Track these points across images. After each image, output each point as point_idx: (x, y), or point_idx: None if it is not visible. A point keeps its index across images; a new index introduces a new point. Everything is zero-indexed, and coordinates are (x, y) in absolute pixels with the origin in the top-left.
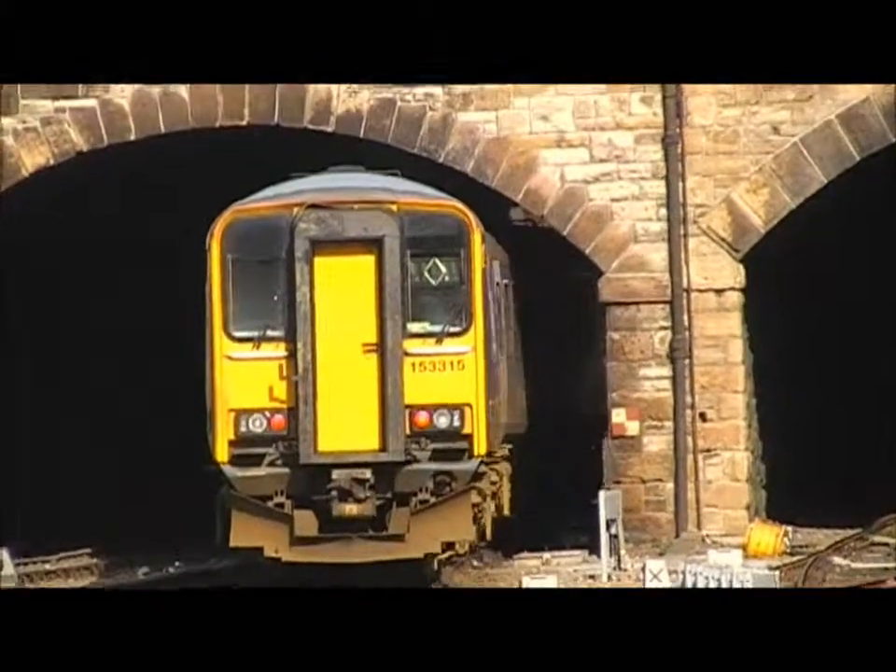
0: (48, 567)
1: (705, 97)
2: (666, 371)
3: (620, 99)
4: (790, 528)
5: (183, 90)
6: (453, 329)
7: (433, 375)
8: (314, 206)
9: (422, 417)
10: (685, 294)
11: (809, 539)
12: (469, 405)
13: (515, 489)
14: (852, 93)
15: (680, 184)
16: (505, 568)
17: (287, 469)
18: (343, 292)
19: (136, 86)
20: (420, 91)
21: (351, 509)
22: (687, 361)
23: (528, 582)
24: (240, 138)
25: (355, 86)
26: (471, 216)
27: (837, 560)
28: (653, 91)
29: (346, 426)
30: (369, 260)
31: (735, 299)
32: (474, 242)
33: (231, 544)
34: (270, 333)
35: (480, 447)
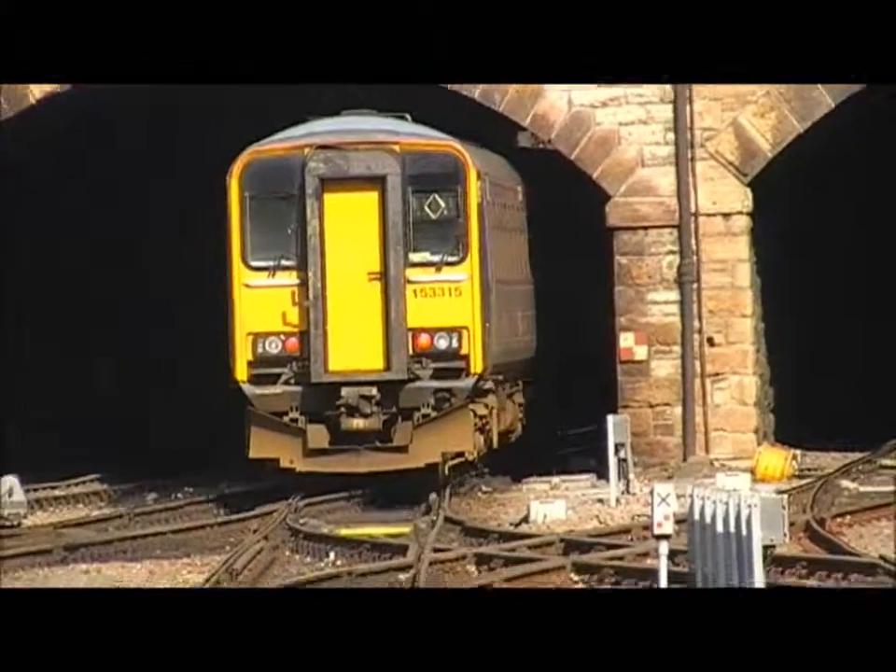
0: (56, 493)
1: None
2: (674, 295)
3: None
4: (798, 452)
5: None
6: (450, 259)
7: (433, 301)
8: (323, 147)
9: (423, 339)
10: (693, 218)
11: (817, 462)
12: (466, 328)
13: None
14: None
15: (688, 108)
16: (514, 493)
17: (300, 388)
18: (349, 225)
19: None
20: None
21: (359, 423)
22: (695, 286)
23: (537, 507)
24: None
25: None
26: (468, 154)
27: (846, 483)
28: None
29: (354, 347)
30: (373, 196)
31: (742, 223)
32: (470, 178)
33: (251, 456)
34: (284, 263)
35: (476, 366)
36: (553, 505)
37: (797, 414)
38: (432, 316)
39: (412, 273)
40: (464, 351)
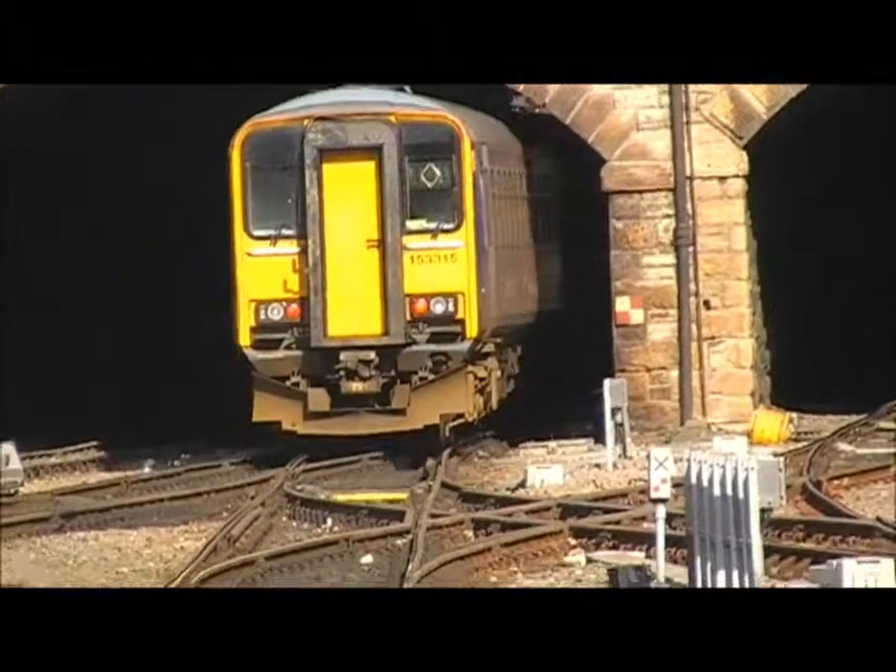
0: (53, 460)
1: None
2: (670, 259)
3: None
4: (794, 415)
5: None
6: (446, 226)
7: (429, 267)
8: (321, 118)
9: (420, 304)
10: (688, 182)
11: (814, 425)
12: (462, 293)
13: (521, 377)
14: None
15: None
16: (511, 458)
17: (301, 352)
18: (347, 194)
19: None
20: None
21: (358, 386)
22: (691, 249)
23: (534, 472)
24: None
25: None
26: (462, 124)
27: (842, 446)
28: None
29: (352, 313)
30: (370, 166)
31: (738, 186)
32: (464, 147)
33: (254, 419)
34: (284, 232)
35: (472, 330)
36: (550, 470)
37: (794, 377)
38: (429, 282)
39: (408, 241)
40: (459, 315)
